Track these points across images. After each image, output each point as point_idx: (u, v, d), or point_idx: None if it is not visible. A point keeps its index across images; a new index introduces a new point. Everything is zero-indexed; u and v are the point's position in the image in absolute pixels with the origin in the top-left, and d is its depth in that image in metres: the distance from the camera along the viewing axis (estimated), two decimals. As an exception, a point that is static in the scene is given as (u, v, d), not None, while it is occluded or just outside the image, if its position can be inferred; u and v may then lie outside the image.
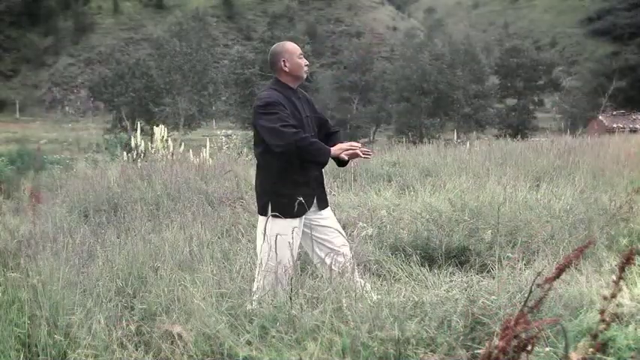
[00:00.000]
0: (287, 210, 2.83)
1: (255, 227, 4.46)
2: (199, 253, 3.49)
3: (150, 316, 2.71)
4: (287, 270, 2.71)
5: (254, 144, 3.02)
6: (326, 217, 3.05)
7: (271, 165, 2.91)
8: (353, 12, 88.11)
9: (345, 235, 3.10)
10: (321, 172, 3.12)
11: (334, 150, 2.88)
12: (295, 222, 2.90)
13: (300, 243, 3.03)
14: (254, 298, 2.67)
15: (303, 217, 2.96)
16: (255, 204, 3.10)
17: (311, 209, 2.98)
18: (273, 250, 2.68)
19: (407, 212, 4.74)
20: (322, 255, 2.97)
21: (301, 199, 2.82)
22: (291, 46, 3.01)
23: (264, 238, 2.75)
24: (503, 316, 2.29)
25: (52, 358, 2.40)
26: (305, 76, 3.05)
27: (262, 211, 2.88)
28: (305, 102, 3.07)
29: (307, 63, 3.05)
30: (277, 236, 2.71)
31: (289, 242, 2.75)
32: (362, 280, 2.89)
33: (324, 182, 3.18)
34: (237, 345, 2.24)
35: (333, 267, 2.74)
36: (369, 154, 2.97)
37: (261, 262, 2.81)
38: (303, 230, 3.00)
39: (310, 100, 3.17)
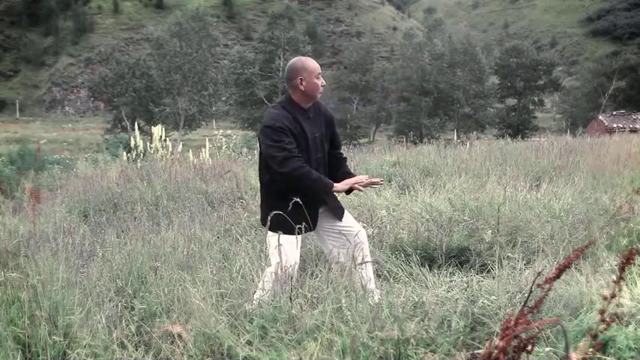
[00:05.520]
0: (288, 227, 2.71)
1: (254, 227, 4.52)
2: (199, 253, 3.49)
3: (150, 316, 2.70)
4: (291, 273, 2.69)
5: (259, 158, 3.03)
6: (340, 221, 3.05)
7: (274, 183, 2.89)
8: (353, 12, 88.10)
9: (362, 229, 3.10)
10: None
11: (340, 186, 2.89)
12: (299, 237, 2.86)
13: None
14: (255, 297, 2.67)
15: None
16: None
17: (326, 220, 2.99)
18: (279, 258, 2.65)
19: (407, 212, 4.73)
20: (335, 252, 2.98)
21: (302, 222, 2.74)
22: (312, 64, 2.92)
23: (271, 248, 2.79)
24: (503, 316, 2.30)
25: (52, 358, 2.39)
26: (319, 96, 2.97)
27: (264, 223, 2.83)
28: (317, 119, 3.00)
29: (324, 83, 2.96)
30: (283, 245, 2.65)
31: (294, 247, 2.80)
32: (378, 290, 2.88)
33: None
34: (237, 345, 2.24)
35: (347, 262, 2.78)
36: (378, 183, 2.97)
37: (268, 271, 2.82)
38: (317, 230, 3.02)
39: (327, 114, 3.08)
